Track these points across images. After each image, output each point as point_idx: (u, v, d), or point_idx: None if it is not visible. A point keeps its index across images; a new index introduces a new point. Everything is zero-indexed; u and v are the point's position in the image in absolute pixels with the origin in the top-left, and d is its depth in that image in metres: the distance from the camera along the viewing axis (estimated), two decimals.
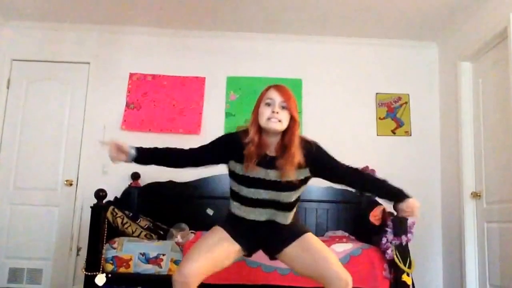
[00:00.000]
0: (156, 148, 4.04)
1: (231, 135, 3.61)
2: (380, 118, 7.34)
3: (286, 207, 3.48)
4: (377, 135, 7.29)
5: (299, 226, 3.65)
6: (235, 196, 3.51)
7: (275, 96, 3.31)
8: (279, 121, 3.26)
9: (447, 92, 7.15)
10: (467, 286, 6.33)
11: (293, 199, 3.47)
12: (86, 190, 6.81)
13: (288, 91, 3.40)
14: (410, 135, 7.30)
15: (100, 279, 5.16)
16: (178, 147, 3.99)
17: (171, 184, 6.87)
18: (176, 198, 6.82)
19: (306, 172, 3.42)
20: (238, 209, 3.48)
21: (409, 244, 5.25)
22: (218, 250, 3.36)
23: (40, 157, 7.06)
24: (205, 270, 3.26)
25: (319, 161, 3.45)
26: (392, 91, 7.43)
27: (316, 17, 6.87)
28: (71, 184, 7.00)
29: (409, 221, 5.32)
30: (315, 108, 7.30)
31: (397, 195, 3.73)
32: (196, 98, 7.24)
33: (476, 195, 6.38)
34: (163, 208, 6.75)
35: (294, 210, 3.57)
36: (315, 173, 3.47)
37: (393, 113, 7.34)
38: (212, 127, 7.13)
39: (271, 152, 3.40)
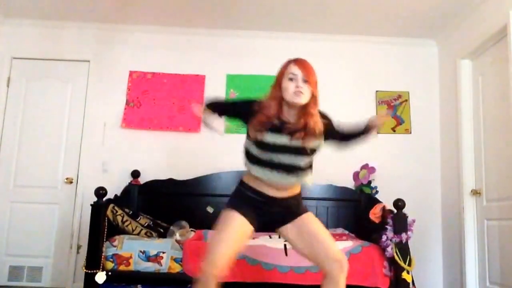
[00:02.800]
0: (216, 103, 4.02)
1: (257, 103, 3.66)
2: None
3: (303, 169, 3.56)
4: (377, 132, 7.28)
5: (302, 204, 3.80)
6: (254, 158, 3.59)
7: (297, 71, 3.41)
8: (302, 94, 3.39)
9: (447, 90, 7.15)
10: (467, 284, 6.33)
11: (308, 163, 3.58)
12: (86, 188, 6.82)
13: (309, 66, 3.52)
14: (410, 132, 7.30)
15: (100, 277, 5.17)
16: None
17: (171, 182, 6.88)
18: (176, 196, 6.83)
19: (321, 141, 3.58)
20: (257, 171, 3.54)
21: (409, 242, 5.27)
22: (239, 239, 3.45)
23: (40, 155, 7.07)
24: (229, 261, 3.34)
25: (330, 130, 3.69)
26: (392, 89, 7.43)
27: (316, 14, 6.87)
28: (71, 182, 7.00)
29: (409, 219, 5.33)
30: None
31: (366, 124, 3.99)
32: (196, 96, 7.23)
33: (476, 193, 6.38)
34: (163, 206, 6.76)
35: (308, 174, 3.65)
36: (324, 139, 3.65)
37: (393, 111, 7.34)
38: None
39: (290, 121, 3.50)
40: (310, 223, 3.66)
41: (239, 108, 3.84)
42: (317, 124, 3.49)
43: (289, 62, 3.52)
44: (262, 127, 3.44)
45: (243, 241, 3.51)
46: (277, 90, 3.49)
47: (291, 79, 3.41)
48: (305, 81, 3.41)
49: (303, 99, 3.40)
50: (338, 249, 3.52)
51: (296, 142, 3.43)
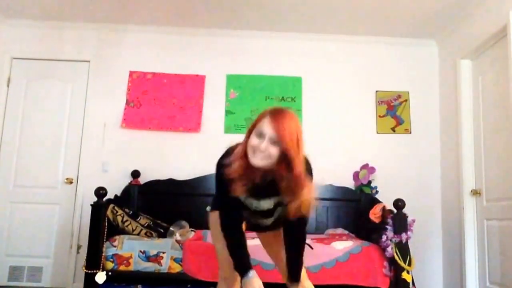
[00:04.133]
0: (241, 245, 3.28)
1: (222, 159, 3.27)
2: (380, 116, 7.34)
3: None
4: (377, 132, 7.29)
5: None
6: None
7: (267, 129, 2.90)
8: (265, 157, 2.91)
9: (447, 90, 7.15)
10: (467, 284, 6.33)
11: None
12: (86, 188, 6.83)
13: (285, 122, 2.94)
14: (410, 132, 7.30)
15: (100, 277, 5.18)
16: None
17: (171, 182, 6.89)
18: (176, 196, 6.83)
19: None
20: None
21: (409, 242, 5.27)
22: None
23: (40, 155, 7.07)
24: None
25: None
26: (392, 89, 7.43)
27: (316, 15, 6.87)
28: (71, 182, 7.00)
29: (409, 219, 5.33)
30: (314, 106, 7.31)
31: (291, 275, 3.40)
32: (196, 96, 7.24)
33: (476, 193, 6.38)
34: (163, 206, 6.76)
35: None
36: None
37: (393, 111, 7.34)
38: (212, 125, 7.14)
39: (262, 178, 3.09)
40: (279, 241, 3.51)
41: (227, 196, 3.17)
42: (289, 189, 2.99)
43: (264, 113, 3.01)
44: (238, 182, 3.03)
45: None
46: (243, 144, 3.03)
47: (259, 135, 2.92)
48: (275, 142, 2.87)
49: (264, 163, 2.91)
50: None
51: (266, 203, 3.24)
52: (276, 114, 2.95)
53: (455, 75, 6.85)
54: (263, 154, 2.88)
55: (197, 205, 6.72)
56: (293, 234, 3.32)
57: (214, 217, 3.52)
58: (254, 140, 2.91)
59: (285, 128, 2.88)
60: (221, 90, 7.33)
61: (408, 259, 5.12)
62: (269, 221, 3.45)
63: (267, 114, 2.96)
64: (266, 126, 2.89)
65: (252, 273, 3.13)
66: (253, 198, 3.22)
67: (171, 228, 6.04)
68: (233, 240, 3.23)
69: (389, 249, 5.17)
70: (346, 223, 6.79)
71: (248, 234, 3.41)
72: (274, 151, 2.87)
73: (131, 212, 6.11)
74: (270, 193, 3.18)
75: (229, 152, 3.21)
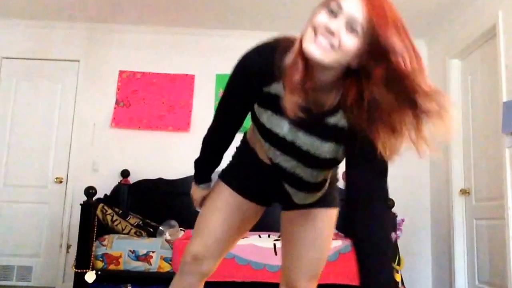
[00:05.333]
0: (211, 160, 2.66)
1: (258, 57, 2.22)
2: None
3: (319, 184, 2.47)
4: None
5: (331, 194, 2.63)
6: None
7: (350, 5, 1.79)
8: (331, 46, 1.79)
9: None
10: (456, 283, 6.36)
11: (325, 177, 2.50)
12: (76, 187, 6.81)
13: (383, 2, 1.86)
14: None
15: (90, 276, 5.17)
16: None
17: (160, 181, 6.89)
18: (166, 195, 6.82)
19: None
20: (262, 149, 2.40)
21: (398, 241, 5.29)
22: (236, 223, 2.54)
23: (30, 155, 7.06)
24: (221, 251, 2.59)
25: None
26: None
27: (304, 14, 6.83)
28: (61, 182, 6.99)
29: (398, 218, 5.35)
30: None
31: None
32: (186, 95, 7.24)
33: (465, 192, 6.40)
34: (152, 205, 6.76)
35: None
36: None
37: None
38: (202, 124, 7.09)
39: (323, 103, 2.04)
40: (311, 227, 2.53)
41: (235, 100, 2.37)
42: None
43: None
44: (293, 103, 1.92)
45: (242, 226, 2.60)
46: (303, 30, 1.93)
47: (331, 11, 1.83)
48: (353, 28, 1.77)
49: (323, 54, 1.79)
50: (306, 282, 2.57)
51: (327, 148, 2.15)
52: None
53: (444, 74, 6.87)
54: (328, 41, 1.79)
55: (186, 205, 6.67)
56: (373, 214, 2.00)
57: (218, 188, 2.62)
58: (321, 16, 1.86)
59: (383, 8, 1.84)
60: (210, 90, 7.32)
61: (397, 258, 5.13)
62: (317, 179, 2.40)
63: None
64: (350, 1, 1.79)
65: (206, 185, 2.65)
66: (302, 129, 2.11)
67: (160, 228, 6.04)
68: (209, 158, 2.66)
69: None
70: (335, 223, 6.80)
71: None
72: (349, 41, 1.78)
73: (121, 211, 6.10)
74: (330, 134, 2.09)
75: (274, 45, 2.15)
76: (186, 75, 7.33)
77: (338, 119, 2.02)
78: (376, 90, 1.78)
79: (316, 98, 2.01)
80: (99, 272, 5.25)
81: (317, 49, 1.79)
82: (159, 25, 7.37)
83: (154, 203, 6.79)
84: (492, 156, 5.79)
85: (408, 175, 7.15)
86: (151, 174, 6.93)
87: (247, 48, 2.57)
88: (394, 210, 5.40)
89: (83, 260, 5.25)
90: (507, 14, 5.46)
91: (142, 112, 7.16)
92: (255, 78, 2.17)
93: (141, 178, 6.93)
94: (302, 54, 1.86)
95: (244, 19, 7.11)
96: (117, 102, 7.19)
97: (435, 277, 7.01)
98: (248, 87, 2.22)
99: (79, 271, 5.21)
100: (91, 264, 5.23)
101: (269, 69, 2.06)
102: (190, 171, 6.62)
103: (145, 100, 7.21)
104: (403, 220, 5.39)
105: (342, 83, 1.94)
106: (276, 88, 2.07)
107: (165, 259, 5.32)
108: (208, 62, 7.39)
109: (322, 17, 1.84)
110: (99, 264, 5.31)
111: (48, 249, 6.85)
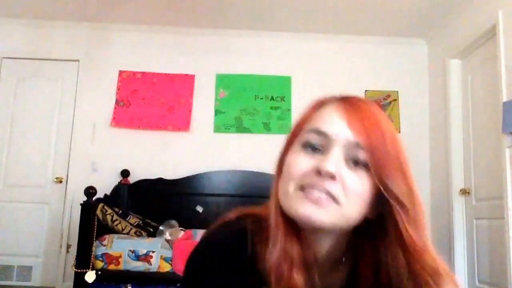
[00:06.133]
0: None
1: (225, 241, 1.32)
2: None
3: None
4: None
5: None
6: None
7: (336, 126, 1.24)
8: (333, 199, 1.18)
9: (436, 89, 7.17)
10: None
11: None
12: (76, 187, 6.79)
13: (376, 117, 1.28)
14: (399, 132, 7.29)
15: (90, 276, 5.17)
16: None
17: (160, 181, 6.87)
18: (166, 195, 6.83)
19: None
20: None
21: None
22: None
23: (30, 155, 7.05)
24: None
25: None
26: (381, 88, 7.44)
27: (305, 14, 6.88)
28: (61, 182, 6.99)
29: None
30: (304, 105, 7.28)
31: None
32: (186, 95, 7.24)
33: (465, 192, 6.40)
34: (152, 205, 6.75)
35: None
36: None
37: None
38: (202, 124, 7.14)
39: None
40: None
41: None
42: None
43: (327, 98, 1.37)
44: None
45: None
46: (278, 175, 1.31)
47: (310, 146, 1.23)
48: (356, 161, 1.21)
49: (330, 216, 1.18)
50: None
51: None
52: (350, 103, 1.29)
53: (444, 74, 6.87)
54: (325, 189, 1.17)
55: (186, 205, 6.74)
56: None
57: None
58: (298, 156, 1.24)
59: (381, 127, 1.26)
60: (210, 90, 7.32)
61: None
62: None
63: (332, 102, 1.33)
64: (335, 119, 1.25)
65: None
66: None
67: (160, 228, 6.04)
68: None
69: None
70: None
71: None
72: (357, 181, 1.20)
73: (121, 211, 6.10)
74: None
75: (222, 235, 1.34)
76: (186, 75, 7.33)
77: None
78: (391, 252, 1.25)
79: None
80: (99, 272, 5.25)
81: (313, 209, 1.17)
82: (159, 25, 7.36)
83: (154, 203, 6.79)
84: (492, 156, 5.78)
85: None
86: (151, 174, 6.92)
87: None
88: None
89: (83, 260, 5.25)
90: (507, 14, 5.46)
91: (142, 112, 7.16)
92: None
93: (141, 178, 6.91)
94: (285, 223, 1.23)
95: (244, 19, 7.11)
96: (117, 102, 7.18)
97: None
98: None
99: (79, 271, 5.21)
100: (91, 264, 5.23)
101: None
102: (190, 171, 6.64)
103: (145, 100, 7.20)
104: None
105: (350, 249, 1.33)
106: None
107: (165, 259, 5.32)
108: (208, 62, 7.39)
109: (302, 158, 1.23)
110: (99, 264, 5.31)
111: (48, 249, 6.84)
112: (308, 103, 1.39)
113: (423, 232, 1.30)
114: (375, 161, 1.20)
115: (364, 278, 1.27)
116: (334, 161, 1.17)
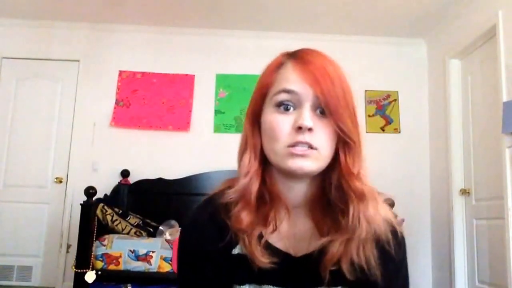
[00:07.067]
0: None
1: (202, 211, 1.70)
2: (369, 116, 7.35)
3: None
4: (366, 132, 7.27)
5: None
6: None
7: (299, 84, 1.42)
8: (314, 148, 1.39)
9: (436, 89, 7.17)
10: (456, 283, 6.35)
11: None
12: (76, 187, 6.80)
13: (327, 66, 1.52)
14: (399, 132, 7.31)
15: (90, 276, 5.17)
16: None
17: (160, 181, 6.88)
18: (166, 195, 6.82)
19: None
20: None
21: None
22: None
23: (30, 155, 7.05)
24: None
25: (387, 269, 1.53)
26: (381, 89, 7.44)
27: (305, 14, 6.88)
28: (61, 182, 6.99)
29: (398, 218, 5.33)
30: None
31: None
32: (186, 95, 7.24)
33: (465, 192, 6.40)
34: (152, 205, 6.76)
35: None
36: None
37: (382, 110, 7.35)
38: (202, 124, 7.14)
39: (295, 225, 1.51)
40: None
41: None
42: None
43: (282, 57, 1.52)
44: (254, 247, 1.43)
45: None
46: (252, 136, 1.52)
47: (284, 107, 1.41)
48: (321, 111, 1.42)
49: (309, 164, 1.39)
50: None
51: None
52: (303, 52, 1.53)
53: (444, 74, 6.87)
54: (307, 142, 1.38)
55: (186, 205, 6.72)
56: None
57: None
58: (276, 118, 1.42)
59: (332, 75, 1.50)
60: (210, 90, 7.33)
61: None
62: None
63: (283, 56, 1.53)
64: (295, 79, 1.43)
65: None
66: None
67: (160, 228, 6.04)
68: None
69: None
70: None
71: None
72: (322, 132, 1.41)
73: (121, 211, 6.10)
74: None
75: (206, 203, 1.74)
76: (186, 75, 7.33)
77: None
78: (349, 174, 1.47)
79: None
80: (99, 272, 5.25)
81: (302, 161, 1.38)
82: (159, 25, 7.36)
83: (154, 203, 6.79)
84: (492, 156, 5.79)
85: (408, 175, 7.16)
86: (151, 174, 6.92)
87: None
88: (394, 210, 5.39)
89: (83, 260, 5.25)
90: (507, 14, 5.46)
91: (142, 112, 7.16)
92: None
93: (141, 178, 6.92)
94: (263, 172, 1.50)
95: (244, 19, 7.11)
96: (117, 102, 7.18)
97: (435, 277, 7.00)
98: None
99: (79, 271, 5.21)
100: (91, 264, 5.23)
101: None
102: (190, 171, 6.64)
103: (145, 100, 7.20)
104: (403, 220, 5.37)
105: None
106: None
107: (165, 259, 5.32)
108: (208, 62, 7.39)
109: (280, 120, 1.41)
110: (99, 264, 5.31)
111: (48, 249, 6.85)
112: (266, 65, 1.55)
113: (361, 163, 1.49)
114: (331, 107, 1.40)
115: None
116: (309, 115, 1.38)
